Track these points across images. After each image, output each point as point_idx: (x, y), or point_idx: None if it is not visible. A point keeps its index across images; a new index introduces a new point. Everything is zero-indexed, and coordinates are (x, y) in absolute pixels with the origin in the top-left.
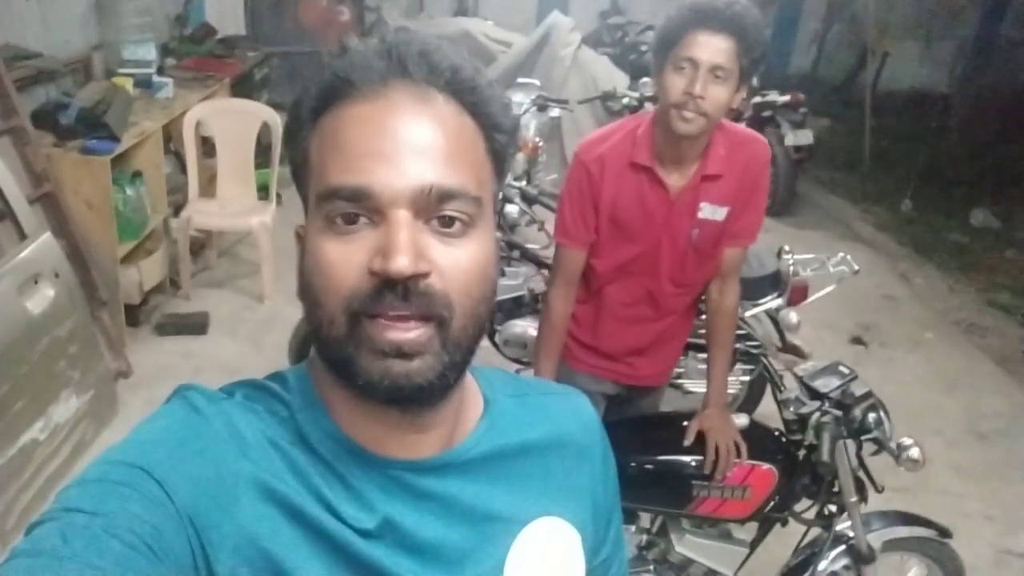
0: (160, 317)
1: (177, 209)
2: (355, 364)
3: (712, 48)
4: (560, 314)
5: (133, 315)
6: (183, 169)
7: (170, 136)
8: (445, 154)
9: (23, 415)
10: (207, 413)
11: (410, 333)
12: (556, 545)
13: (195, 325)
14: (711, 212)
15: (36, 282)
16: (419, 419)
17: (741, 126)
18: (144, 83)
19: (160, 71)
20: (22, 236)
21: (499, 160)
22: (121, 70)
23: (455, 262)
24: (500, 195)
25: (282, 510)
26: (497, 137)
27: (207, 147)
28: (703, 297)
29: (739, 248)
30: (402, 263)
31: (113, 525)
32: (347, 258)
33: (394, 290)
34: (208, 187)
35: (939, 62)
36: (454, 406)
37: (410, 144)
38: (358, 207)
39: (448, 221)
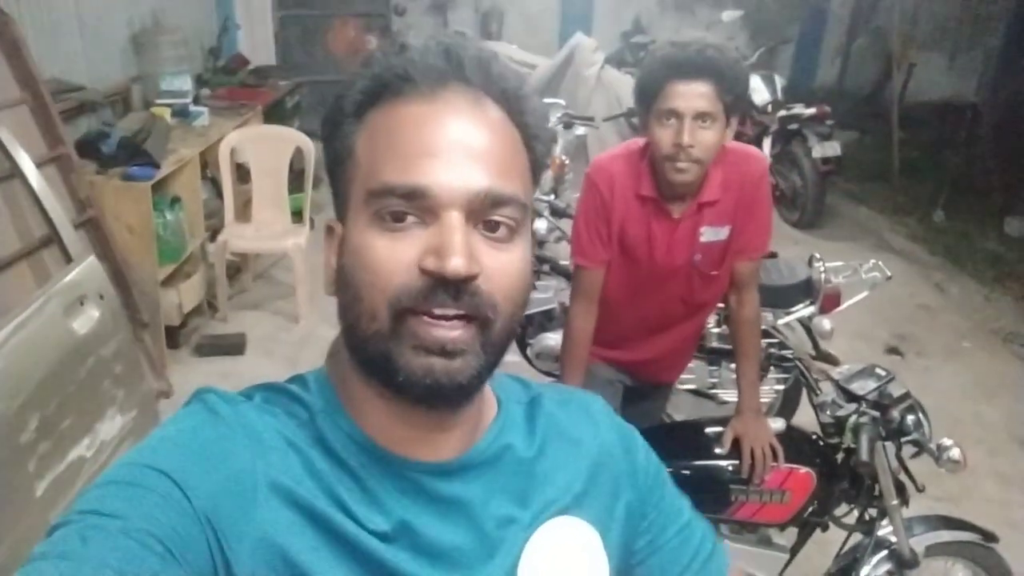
0: (199, 338)
1: (214, 233)
2: (395, 360)
3: (691, 96)
4: (582, 330)
5: (173, 337)
6: (219, 194)
7: (206, 163)
8: (499, 161)
9: (71, 433)
10: (225, 415)
11: (454, 332)
12: (572, 545)
13: (233, 346)
14: (712, 234)
15: (82, 304)
16: (444, 419)
17: (736, 143)
18: (181, 112)
19: (196, 101)
20: (68, 259)
21: (536, 170)
22: (159, 100)
23: (501, 266)
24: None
25: (299, 511)
26: (536, 147)
27: (242, 173)
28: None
29: (750, 261)
30: (458, 263)
31: (131, 527)
32: (396, 255)
33: (446, 290)
34: (243, 212)
35: (966, 72)
36: (476, 407)
37: (467, 148)
38: (411, 206)
39: (494, 226)
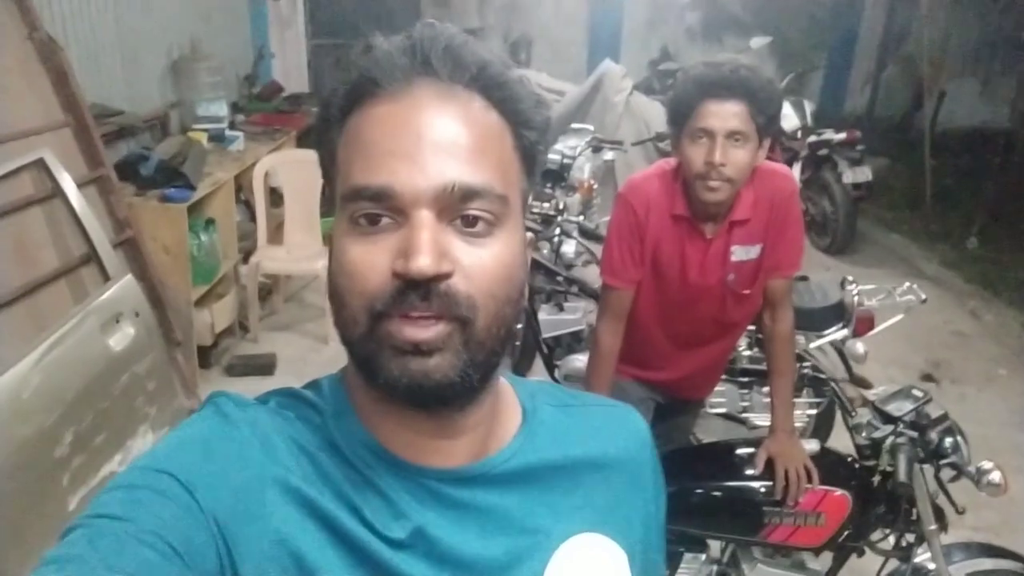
0: (230, 358)
1: (246, 255)
2: (375, 362)
3: (724, 115)
4: (608, 348)
5: (205, 356)
6: (252, 217)
7: (240, 186)
8: (468, 151)
9: (104, 448)
10: (236, 419)
11: (428, 331)
12: (599, 563)
13: (263, 366)
14: (744, 253)
15: (118, 321)
16: (447, 423)
17: (765, 161)
18: (217, 137)
19: (231, 126)
20: (106, 278)
21: (528, 157)
22: (196, 125)
23: (479, 262)
24: (555, 225)
25: (310, 514)
26: (526, 134)
27: (275, 196)
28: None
29: (783, 279)
30: (423, 263)
31: (141, 530)
32: (370, 259)
33: (416, 291)
34: (276, 234)
35: (999, 98)
36: (486, 412)
37: (432, 142)
38: (381, 207)
39: (472, 220)
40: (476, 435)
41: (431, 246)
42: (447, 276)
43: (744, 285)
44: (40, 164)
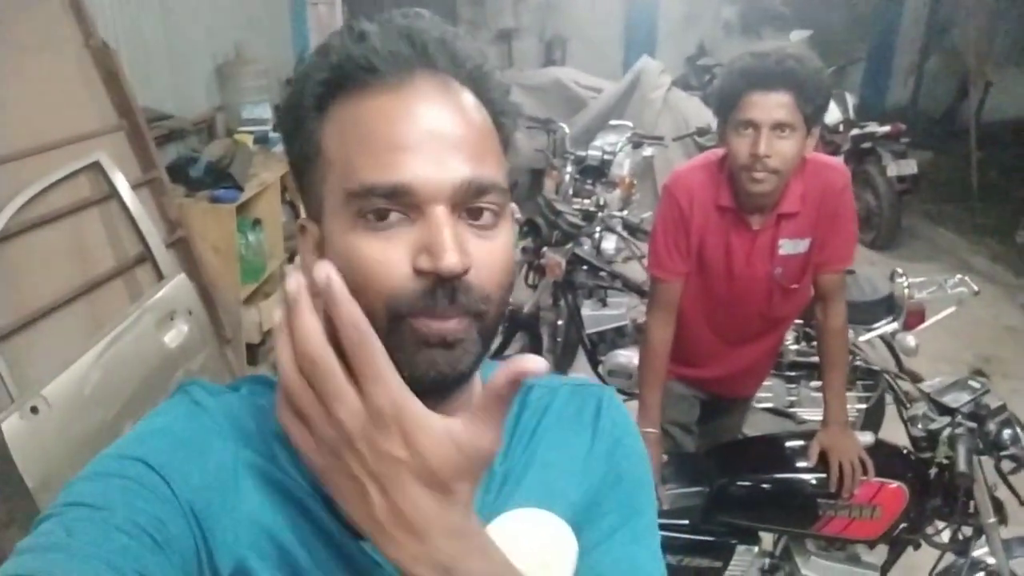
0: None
1: (292, 255)
2: (397, 358)
3: (770, 106)
4: (660, 341)
5: (253, 353)
6: (296, 217)
7: (285, 187)
8: (476, 147)
9: None
10: (208, 406)
11: (451, 323)
12: (538, 537)
13: None
14: (792, 247)
15: (172, 318)
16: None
17: (817, 154)
18: (262, 139)
19: (275, 128)
20: (160, 276)
21: (506, 148)
22: (241, 128)
23: (489, 255)
24: (599, 220)
25: (283, 499)
26: (505, 123)
27: None
28: (812, 322)
29: (834, 274)
30: (452, 261)
31: (116, 517)
32: (387, 256)
33: (444, 289)
34: None
35: None
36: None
37: (443, 138)
38: (393, 203)
39: (478, 213)
40: None
41: (455, 242)
42: (467, 272)
43: (792, 279)
44: (96, 167)
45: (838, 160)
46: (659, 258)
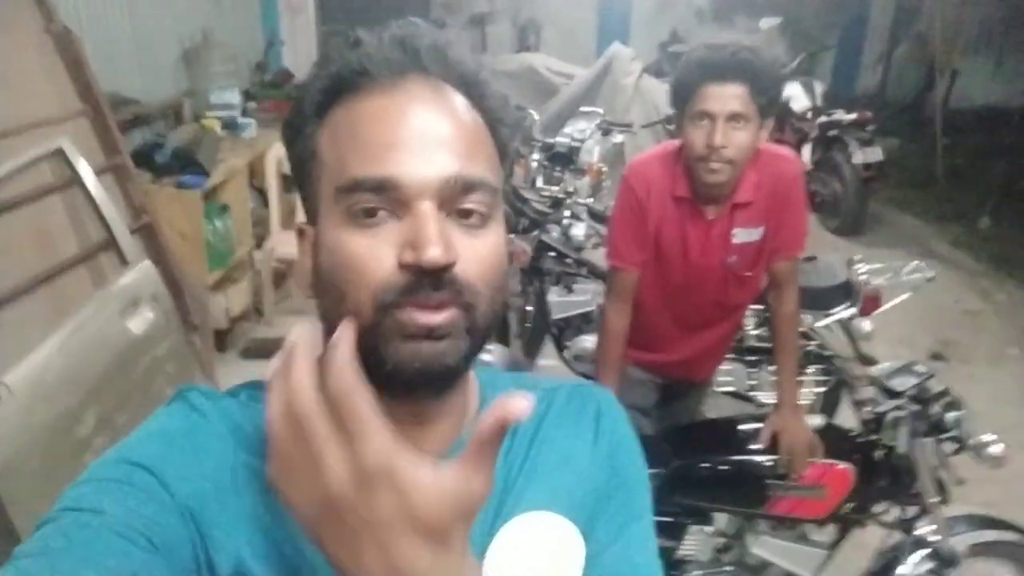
0: (246, 342)
1: (260, 241)
2: (381, 351)
3: (725, 98)
4: (618, 328)
5: (221, 340)
6: (265, 203)
7: (254, 173)
8: (465, 146)
9: (126, 428)
10: (206, 410)
11: (439, 315)
12: (546, 540)
13: (278, 349)
14: (746, 236)
15: (137, 305)
16: (429, 409)
17: (770, 144)
18: (230, 124)
19: (244, 113)
20: (124, 263)
21: (503, 155)
22: (209, 113)
23: (476, 253)
24: (564, 207)
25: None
26: (501, 130)
27: (287, 182)
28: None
29: (787, 261)
30: (435, 254)
31: (114, 522)
32: (373, 252)
33: (428, 281)
34: (289, 220)
35: (1012, 77)
36: (460, 398)
37: (433, 135)
38: (381, 199)
39: (467, 213)
40: (449, 423)
41: (439, 236)
42: (453, 265)
43: (746, 267)
44: (59, 153)
45: (790, 150)
46: (617, 248)
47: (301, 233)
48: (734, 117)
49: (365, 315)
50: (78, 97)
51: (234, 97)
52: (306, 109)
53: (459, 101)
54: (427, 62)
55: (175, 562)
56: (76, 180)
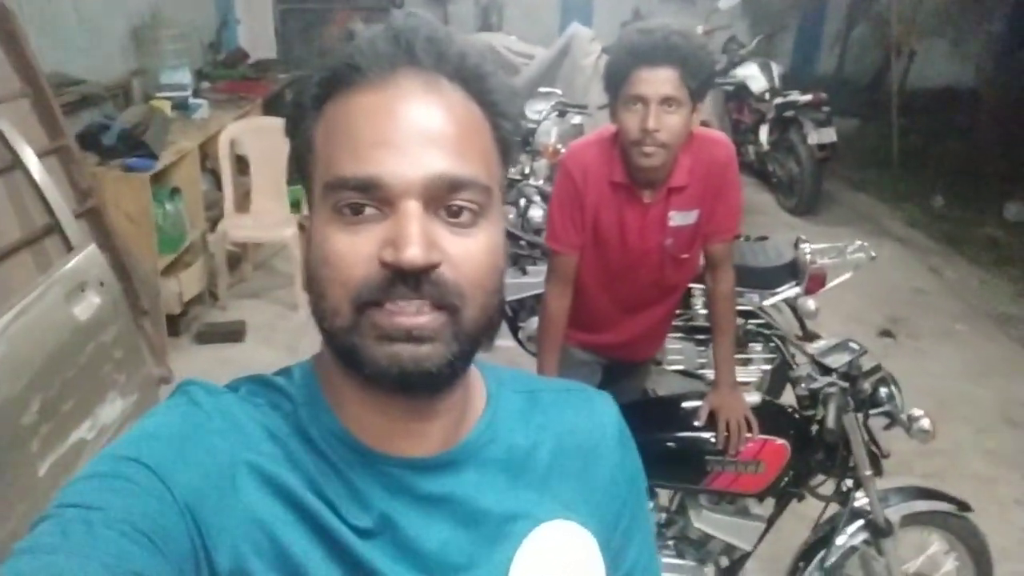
0: (199, 326)
1: (214, 224)
2: (361, 352)
3: (657, 82)
4: (557, 309)
5: (174, 325)
6: (219, 186)
7: (206, 155)
8: (455, 143)
9: (72, 416)
10: (206, 406)
11: (420, 318)
12: (569, 550)
13: (232, 333)
14: (681, 219)
15: (83, 290)
16: (423, 408)
17: (704, 129)
18: (181, 105)
19: (196, 94)
20: (69, 248)
21: (505, 148)
22: (159, 94)
23: (466, 252)
24: (516, 190)
25: (282, 499)
26: (504, 125)
27: (241, 164)
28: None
29: (722, 243)
30: (414, 254)
31: (112, 518)
32: (355, 249)
33: (405, 281)
34: (243, 203)
35: (968, 58)
36: (459, 397)
37: (420, 133)
38: (366, 197)
39: (457, 211)
40: (449, 420)
41: (421, 237)
42: (435, 266)
43: (682, 249)
44: None
45: (722, 135)
46: (555, 231)
47: (302, 228)
48: (666, 100)
49: (343, 314)
50: (18, 77)
51: (185, 77)
52: (304, 102)
53: (454, 96)
54: (421, 56)
55: (174, 559)
56: (17, 163)
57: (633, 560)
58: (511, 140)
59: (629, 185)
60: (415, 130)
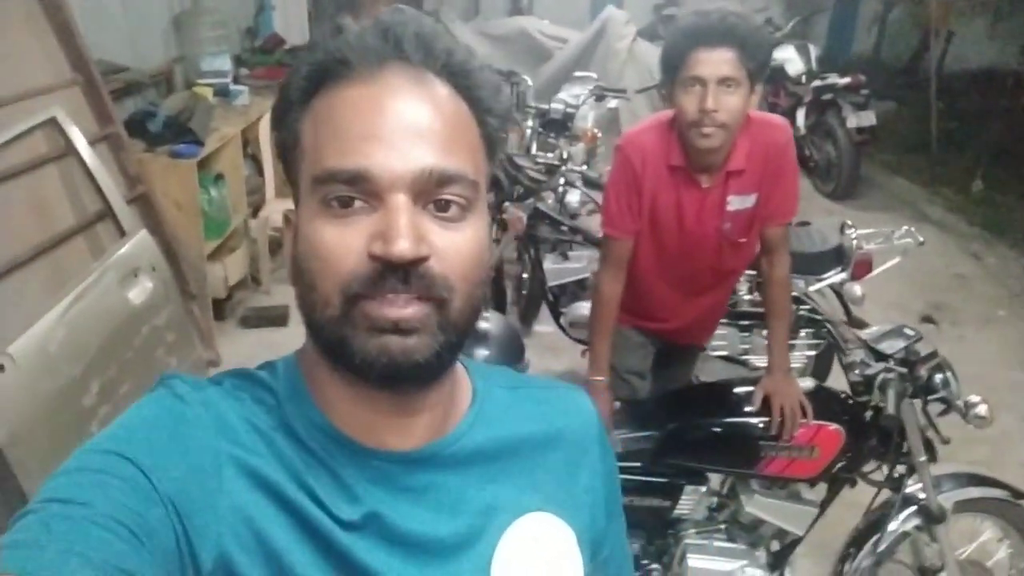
0: (244, 311)
1: (256, 209)
2: (350, 344)
3: (714, 62)
4: (610, 296)
5: (219, 309)
6: (260, 171)
7: (247, 141)
8: (443, 137)
9: (129, 397)
10: (190, 400)
11: (408, 309)
12: (549, 542)
13: (276, 317)
14: (739, 203)
15: (136, 275)
16: (409, 402)
17: (760, 112)
18: (222, 92)
19: (235, 80)
20: (121, 233)
21: (491, 144)
22: (200, 80)
23: (453, 246)
24: (559, 174)
25: (267, 492)
26: (490, 121)
27: None
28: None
29: (779, 227)
30: (403, 247)
31: (95, 513)
32: (345, 242)
33: (395, 274)
34: (284, 188)
35: (1008, 39)
36: (445, 391)
37: (409, 127)
38: (355, 190)
39: (444, 205)
40: (434, 414)
41: (410, 230)
42: (424, 260)
43: (740, 234)
44: (52, 123)
45: (780, 117)
46: (611, 217)
47: (288, 220)
48: (724, 81)
49: (333, 306)
50: (69, 65)
51: (225, 64)
52: (291, 96)
53: (441, 91)
54: (409, 51)
55: (158, 553)
56: (71, 150)
57: (608, 553)
58: (497, 136)
59: (687, 169)
60: (403, 124)
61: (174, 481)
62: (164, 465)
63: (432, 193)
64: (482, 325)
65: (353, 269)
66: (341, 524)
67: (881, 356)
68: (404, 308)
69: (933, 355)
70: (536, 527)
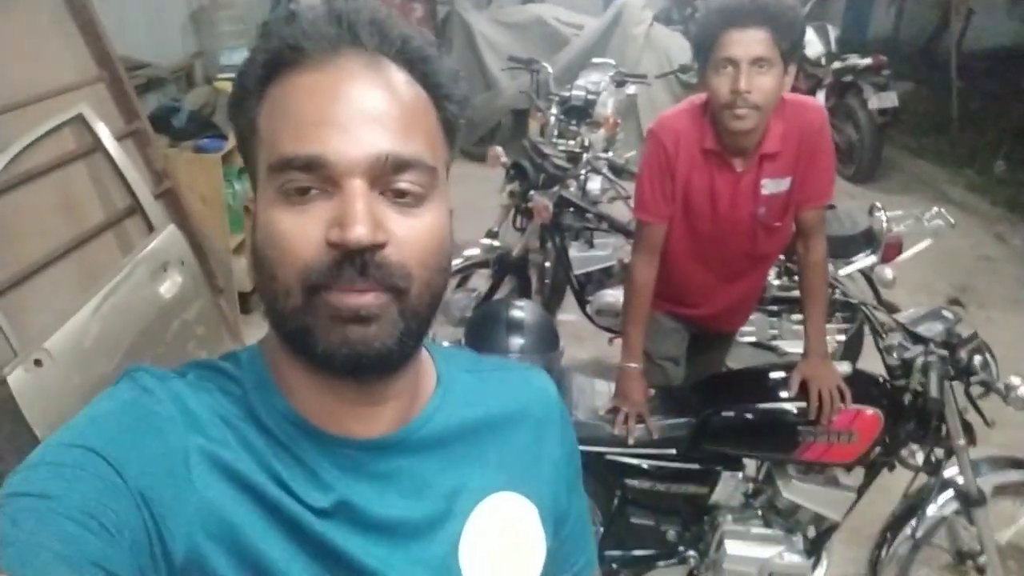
0: None
1: None
2: (312, 333)
3: (747, 43)
4: (644, 280)
5: (245, 302)
6: None
7: None
8: (399, 123)
9: None
10: (156, 391)
11: (366, 297)
12: (513, 521)
13: None
14: (774, 187)
15: (165, 270)
16: (374, 390)
17: (794, 95)
18: None
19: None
20: (150, 228)
21: (450, 130)
22: (220, 75)
23: (411, 232)
24: (584, 162)
25: (236, 483)
26: (448, 107)
27: None
28: (794, 257)
29: (814, 210)
30: (360, 232)
31: (63, 506)
32: (302, 230)
33: (352, 263)
34: None
35: None
36: (410, 379)
37: (364, 112)
38: (311, 177)
39: (402, 192)
40: (400, 402)
41: (367, 215)
42: (382, 246)
43: (775, 218)
44: (79, 119)
45: (815, 99)
46: (645, 202)
47: (247, 211)
48: (757, 61)
49: (294, 295)
50: (94, 62)
51: (244, 58)
52: (247, 84)
53: (397, 77)
54: (364, 37)
55: (128, 546)
56: (98, 146)
57: (568, 531)
58: (456, 122)
59: (720, 152)
60: (358, 109)
61: (143, 473)
62: (132, 458)
63: (389, 179)
64: (517, 314)
65: (311, 259)
66: (313, 511)
67: (919, 339)
68: (362, 297)
69: (973, 337)
70: (501, 507)
